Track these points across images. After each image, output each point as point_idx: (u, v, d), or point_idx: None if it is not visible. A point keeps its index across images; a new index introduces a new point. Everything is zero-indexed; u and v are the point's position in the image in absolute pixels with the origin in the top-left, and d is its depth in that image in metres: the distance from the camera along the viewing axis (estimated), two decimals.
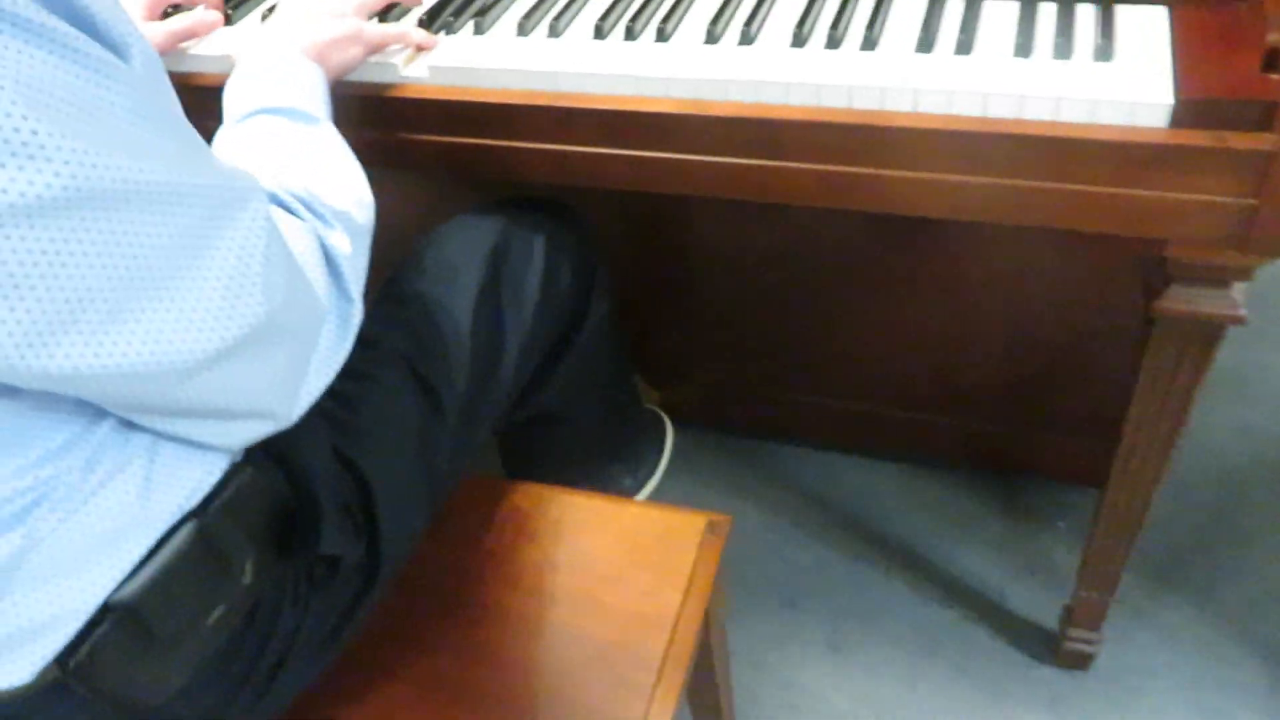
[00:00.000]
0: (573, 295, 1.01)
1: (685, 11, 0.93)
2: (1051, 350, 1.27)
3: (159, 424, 0.59)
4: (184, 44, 1.00)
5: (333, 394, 0.80)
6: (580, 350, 1.04)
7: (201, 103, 0.82)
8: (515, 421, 1.03)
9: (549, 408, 1.06)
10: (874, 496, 1.44)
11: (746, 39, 0.87)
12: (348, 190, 0.73)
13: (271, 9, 1.04)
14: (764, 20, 0.90)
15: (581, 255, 1.02)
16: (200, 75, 0.99)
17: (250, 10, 1.07)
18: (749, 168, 0.85)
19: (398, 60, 0.93)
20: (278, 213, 0.65)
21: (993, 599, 1.31)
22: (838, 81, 0.80)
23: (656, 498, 1.48)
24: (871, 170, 0.81)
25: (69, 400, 0.55)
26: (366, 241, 0.74)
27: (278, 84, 0.79)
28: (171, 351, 0.53)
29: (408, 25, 0.96)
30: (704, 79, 0.84)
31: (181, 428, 0.60)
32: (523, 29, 0.94)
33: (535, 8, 0.97)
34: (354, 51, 0.88)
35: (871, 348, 1.36)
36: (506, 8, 0.99)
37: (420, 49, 0.94)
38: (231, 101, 0.80)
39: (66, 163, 0.46)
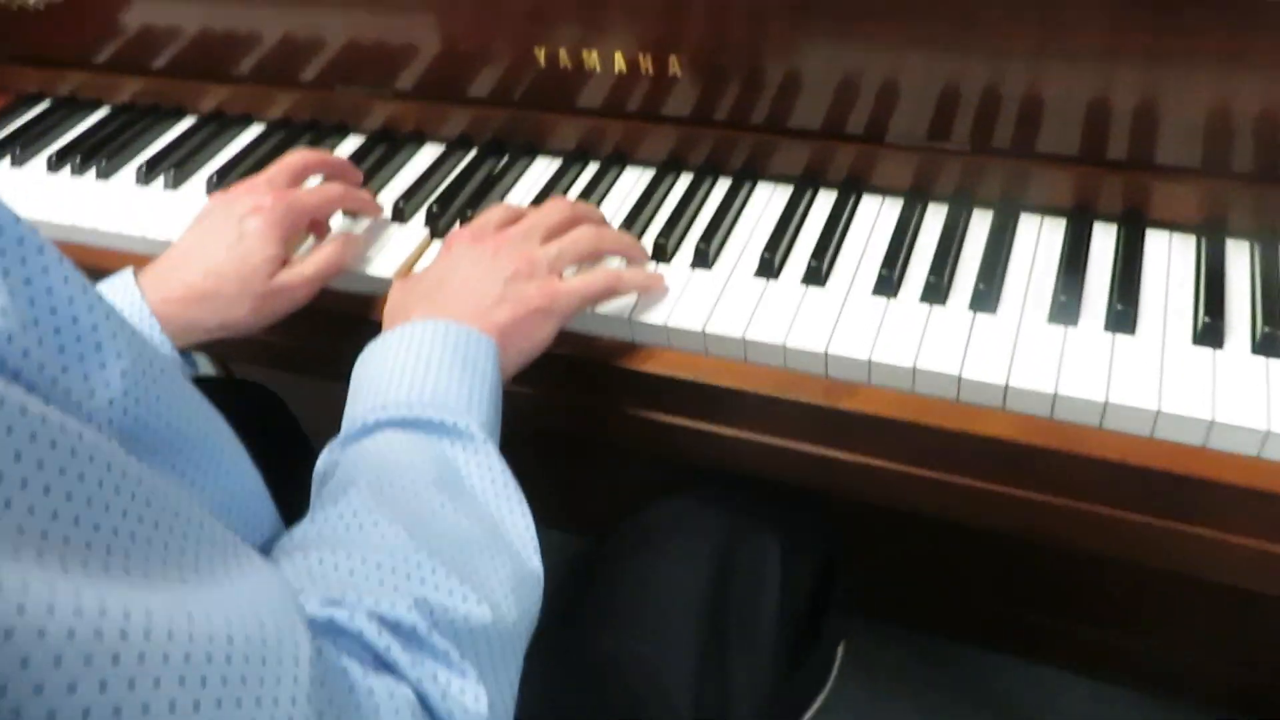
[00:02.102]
0: (807, 618, 0.75)
1: (1004, 266, 0.65)
2: None
3: None
4: None
5: None
6: (796, 679, 0.77)
7: None
8: None
9: None
10: None
11: (1119, 321, 0.59)
12: (499, 571, 0.46)
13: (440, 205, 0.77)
14: (1137, 293, 0.62)
15: (820, 559, 0.76)
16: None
17: (420, 208, 0.79)
18: (1139, 527, 0.58)
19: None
20: (351, 669, 0.37)
21: None
22: None
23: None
24: None
25: None
26: (518, 652, 0.46)
27: (420, 369, 0.53)
28: None
29: (617, 265, 0.68)
30: (1074, 396, 0.56)
31: None
32: (768, 267, 0.67)
33: (777, 231, 0.69)
34: (544, 332, 0.61)
35: (1139, 578, 1.07)
36: (730, 231, 0.72)
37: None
38: (354, 393, 0.55)
39: None
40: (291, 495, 0.51)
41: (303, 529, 0.46)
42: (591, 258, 0.66)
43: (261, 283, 0.65)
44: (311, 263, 0.67)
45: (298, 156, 0.72)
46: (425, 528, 0.45)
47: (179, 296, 0.63)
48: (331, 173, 0.75)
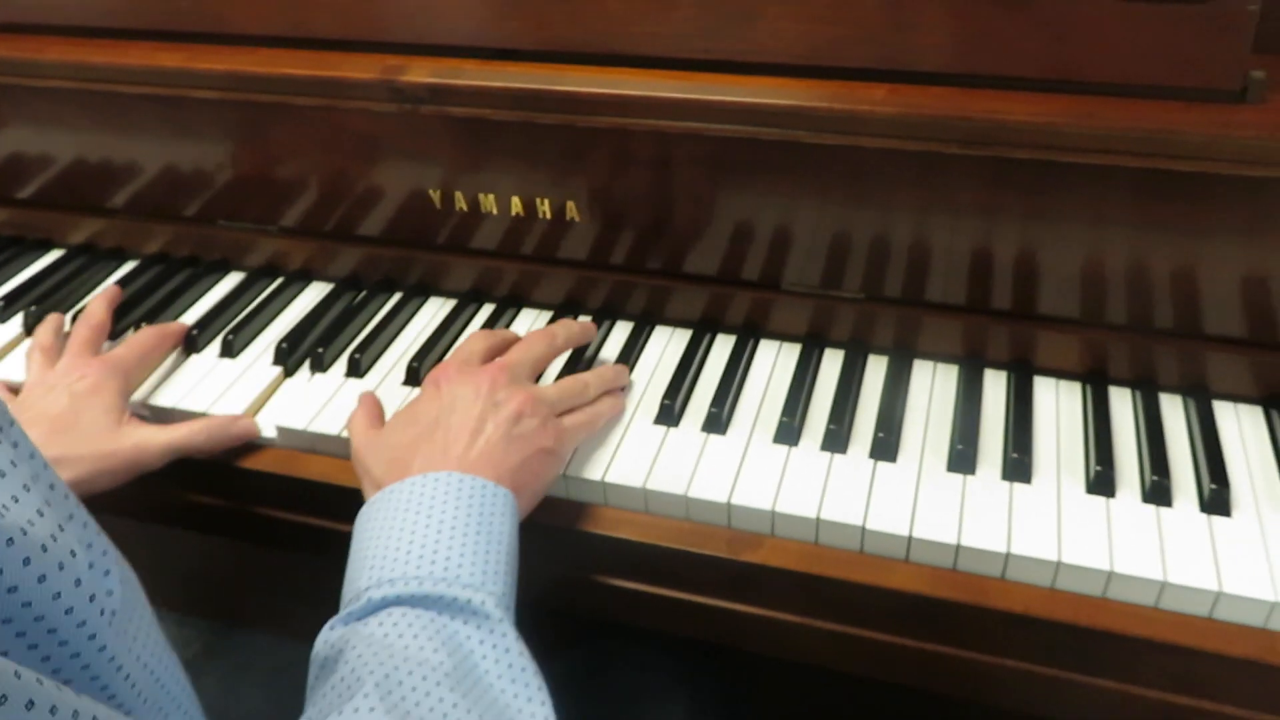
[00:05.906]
0: None
1: (901, 413, 0.66)
2: None
3: None
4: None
5: None
6: None
7: None
8: None
9: None
10: None
11: (1016, 470, 0.60)
12: None
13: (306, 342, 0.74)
14: (1030, 441, 0.63)
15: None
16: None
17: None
18: (1045, 680, 0.57)
19: None
20: None
21: None
22: None
23: None
24: None
25: None
26: None
27: (432, 535, 0.49)
28: None
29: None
30: (976, 547, 0.56)
31: None
32: (668, 414, 0.66)
33: (676, 376, 0.69)
34: (552, 472, 0.59)
35: None
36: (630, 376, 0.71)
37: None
38: (356, 557, 0.50)
39: None
40: None
41: None
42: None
43: (105, 437, 0.62)
44: (173, 430, 0.64)
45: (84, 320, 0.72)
46: None
47: None
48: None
